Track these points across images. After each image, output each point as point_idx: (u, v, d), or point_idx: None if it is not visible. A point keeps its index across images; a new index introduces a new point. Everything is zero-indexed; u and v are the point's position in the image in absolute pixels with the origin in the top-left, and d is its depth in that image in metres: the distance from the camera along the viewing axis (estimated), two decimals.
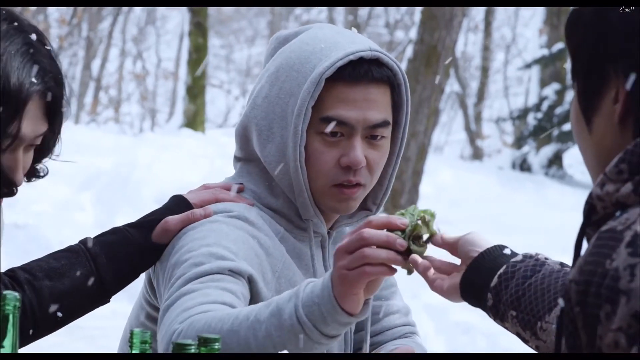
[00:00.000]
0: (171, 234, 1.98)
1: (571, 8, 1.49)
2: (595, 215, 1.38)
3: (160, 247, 1.98)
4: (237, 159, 2.12)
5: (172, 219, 1.97)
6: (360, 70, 1.96)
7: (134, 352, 1.51)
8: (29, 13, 18.94)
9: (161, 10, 27.62)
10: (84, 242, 1.97)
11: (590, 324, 1.28)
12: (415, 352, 2.06)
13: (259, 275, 1.93)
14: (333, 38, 2.00)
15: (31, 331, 1.88)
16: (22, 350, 1.86)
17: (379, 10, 26.64)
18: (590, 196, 1.38)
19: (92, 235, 2.01)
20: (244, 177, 2.08)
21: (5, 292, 1.46)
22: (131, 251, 1.97)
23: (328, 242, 2.10)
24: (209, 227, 1.93)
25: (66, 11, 21.86)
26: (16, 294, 1.46)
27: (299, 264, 2.04)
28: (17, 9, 1.94)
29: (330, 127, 1.96)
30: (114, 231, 2.00)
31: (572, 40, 1.47)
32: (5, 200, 1.92)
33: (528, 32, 25.64)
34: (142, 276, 2.06)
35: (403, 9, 25.45)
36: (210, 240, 1.90)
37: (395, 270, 1.74)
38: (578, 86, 1.46)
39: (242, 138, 2.07)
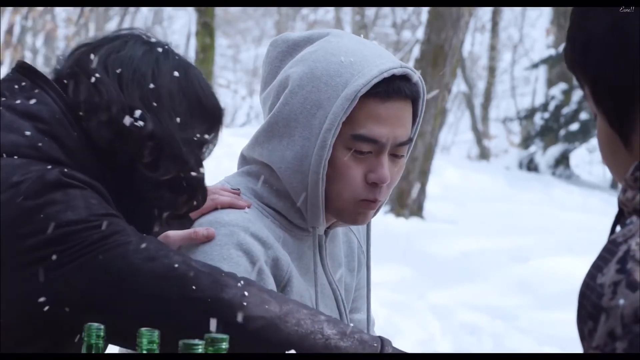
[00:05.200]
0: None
1: (568, 34, 1.43)
2: (623, 218, 1.36)
3: None
4: (243, 157, 2.11)
5: (174, 235, 1.96)
6: (394, 87, 1.95)
7: (141, 352, 1.51)
8: (36, 13, 18.98)
9: (168, 11, 27.62)
10: None
11: (580, 338, 1.27)
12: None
13: None
14: (360, 51, 1.97)
15: None
16: None
17: (385, 10, 26.62)
18: (619, 200, 1.36)
19: None
20: (243, 176, 2.08)
21: (88, 324, 1.55)
22: None
23: (325, 241, 2.10)
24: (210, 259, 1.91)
25: (73, 11, 21.85)
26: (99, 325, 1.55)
27: (299, 266, 2.03)
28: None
29: (364, 147, 1.95)
30: None
31: (589, 64, 1.41)
32: None
33: (535, 32, 25.59)
34: None
35: (410, 9, 25.43)
36: None
37: None
38: (605, 109, 1.40)
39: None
